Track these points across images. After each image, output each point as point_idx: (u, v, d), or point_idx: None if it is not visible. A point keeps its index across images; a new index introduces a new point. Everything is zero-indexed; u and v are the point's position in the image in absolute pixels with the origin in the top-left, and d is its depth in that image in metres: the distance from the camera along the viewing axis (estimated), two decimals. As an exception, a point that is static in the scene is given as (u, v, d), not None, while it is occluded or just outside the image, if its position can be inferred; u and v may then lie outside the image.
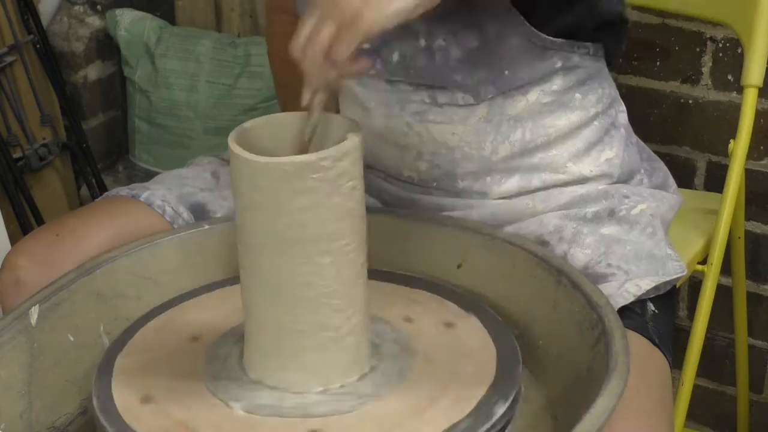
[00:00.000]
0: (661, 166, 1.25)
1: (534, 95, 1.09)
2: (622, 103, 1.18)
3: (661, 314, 1.04)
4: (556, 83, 1.09)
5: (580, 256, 1.05)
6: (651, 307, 1.03)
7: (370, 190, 1.18)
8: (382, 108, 1.12)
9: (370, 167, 1.16)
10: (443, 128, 1.10)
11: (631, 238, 1.07)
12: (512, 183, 1.11)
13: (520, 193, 1.12)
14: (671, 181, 1.24)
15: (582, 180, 1.12)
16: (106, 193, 1.20)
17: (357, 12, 0.80)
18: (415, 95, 1.10)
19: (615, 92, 1.17)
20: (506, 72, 1.07)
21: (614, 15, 1.13)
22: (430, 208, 1.13)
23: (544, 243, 1.07)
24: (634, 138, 1.21)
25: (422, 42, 1.07)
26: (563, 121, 1.10)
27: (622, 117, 1.17)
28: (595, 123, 1.12)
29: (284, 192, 0.80)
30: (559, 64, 1.09)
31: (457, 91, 1.08)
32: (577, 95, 1.11)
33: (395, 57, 1.09)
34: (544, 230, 1.08)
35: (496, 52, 1.05)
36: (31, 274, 1.06)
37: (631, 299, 1.00)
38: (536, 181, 1.11)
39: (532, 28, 1.05)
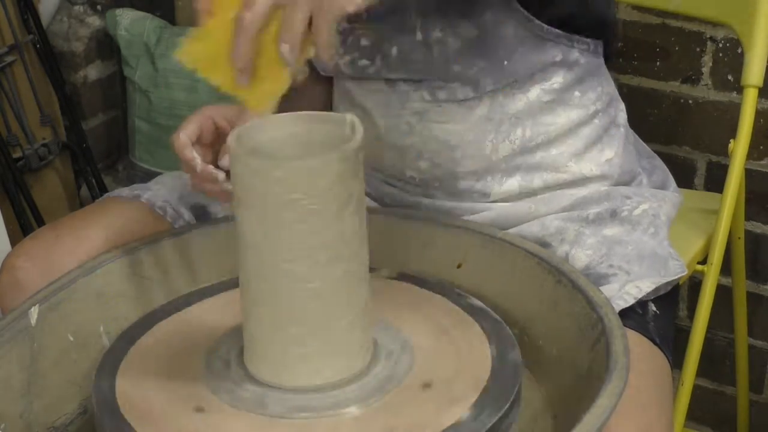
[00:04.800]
0: (660, 163, 1.26)
1: (535, 93, 1.09)
2: (622, 102, 1.18)
3: (663, 315, 1.04)
4: (557, 81, 1.09)
5: (581, 256, 1.05)
6: (652, 307, 1.03)
7: (371, 194, 1.18)
8: (382, 108, 1.12)
9: (371, 169, 1.16)
10: (445, 127, 1.10)
11: (633, 238, 1.07)
12: (513, 183, 1.11)
13: (521, 194, 1.12)
14: (671, 179, 1.24)
15: (582, 180, 1.12)
16: (106, 194, 1.20)
17: None
18: (415, 94, 1.10)
19: (614, 91, 1.17)
20: (505, 62, 1.06)
21: (604, 13, 1.13)
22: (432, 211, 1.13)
23: (545, 245, 1.07)
24: (632, 137, 1.21)
25: (419, 35, 1.06)
26: (563, 119, 1.10)
27: (622, 116, 1.17)
28: (595, 121, 1.12)
29: (266, 190, 0.79)
30: (558, 57, 1.09)
31: (456, 85, 1.08)
32: (576, 93, 1.11)
33: (394, 52, 1.08)
34: (546, 232, 1.08)
35: (495, 41, 1.05)
36: (31, 276, 1.06)
37: (632, 302, 1.00)
38: (537, 180, 1.11)
39: (528, 14, 1.05)
